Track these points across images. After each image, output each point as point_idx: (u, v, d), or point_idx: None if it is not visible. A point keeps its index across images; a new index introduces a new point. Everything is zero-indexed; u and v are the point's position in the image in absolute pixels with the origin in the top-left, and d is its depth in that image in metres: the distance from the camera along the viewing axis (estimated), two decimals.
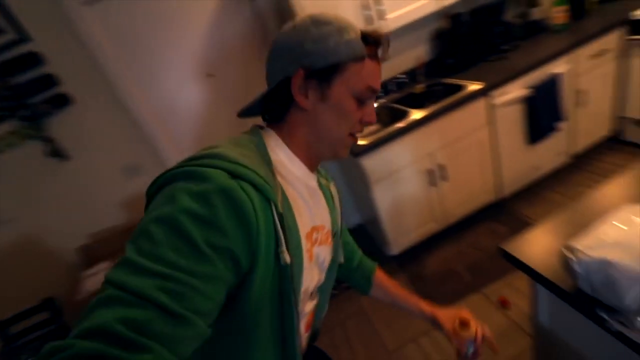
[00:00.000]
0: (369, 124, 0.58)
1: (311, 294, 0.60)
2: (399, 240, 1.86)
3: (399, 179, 1.70)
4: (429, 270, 1.83)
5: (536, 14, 2.08)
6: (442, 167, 1.75)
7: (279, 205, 0.46)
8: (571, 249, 0.60)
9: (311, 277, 0.57)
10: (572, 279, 0.61)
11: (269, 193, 0.45)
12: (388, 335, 1.57)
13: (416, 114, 1.64)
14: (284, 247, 0.46)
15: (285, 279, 0.47)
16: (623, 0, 1.99)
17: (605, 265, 0.55)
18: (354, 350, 1.56)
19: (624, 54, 1.90)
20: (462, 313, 0.74)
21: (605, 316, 0.57)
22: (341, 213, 0.69)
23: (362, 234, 2.26)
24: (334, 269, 0.67)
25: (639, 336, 0.52)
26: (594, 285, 0.57)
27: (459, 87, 1.75)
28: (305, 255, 0.53)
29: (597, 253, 0.56)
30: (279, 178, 0.51)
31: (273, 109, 0.58)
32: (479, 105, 1.71)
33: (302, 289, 0.53)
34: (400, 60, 2.07)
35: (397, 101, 1.96)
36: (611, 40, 1.85)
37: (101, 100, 1.71)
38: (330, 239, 0.63)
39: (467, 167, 1.82)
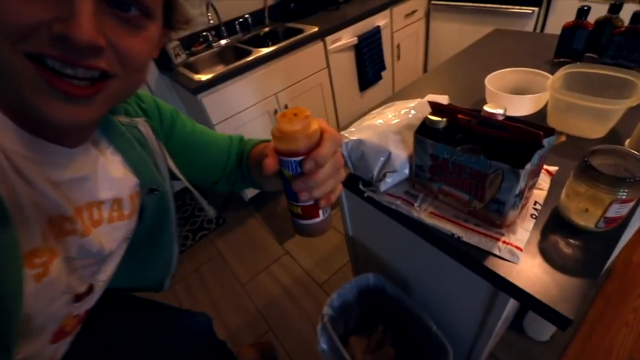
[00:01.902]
0: (70, 37, 0.28)
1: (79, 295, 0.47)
2: None
3: (244, 121, 1.70)
4: (282, 207, 1.96)
5: None
6: (287, 109, 1.83)
7: None
8: (341, 136, 0.71)
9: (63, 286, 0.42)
10: (345, 165, 0.74)
11: None
12: (242, 270, 1.64)
13: (259, 53, 1.64)
14: None
15: None
16: None
17: (358, 143, 0.68)
18: (210, 291, 1.57)
19: (428, 15, 2.32)
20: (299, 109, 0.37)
21: (362, 188, 0.71)
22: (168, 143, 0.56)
23: None
24: (145, 225, 0.54)
25: (381, 197, 0.68)
26: (354, 163, 0.71)
27: (300, 31, 1.82)
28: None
29: (355, 135, 0.69)
30: None
31: None
32: (317, 48, 1.82)
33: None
34: (247, 1, 1.99)
35: (242, 42, 1.91)
36: (420, 2, 2.22)
37: None
38: (137, 201, 0.50)
39: (309, 109, 1.96)
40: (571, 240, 0.55)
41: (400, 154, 0.66)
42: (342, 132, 0.72)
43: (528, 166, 0.48)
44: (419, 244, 0.67)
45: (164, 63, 1.77)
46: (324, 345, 0.86)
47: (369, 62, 2.06)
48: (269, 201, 2.00)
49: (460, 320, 0.80)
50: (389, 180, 0.66)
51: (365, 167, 0.68)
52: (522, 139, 0.50)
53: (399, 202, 0.65)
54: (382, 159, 0.66)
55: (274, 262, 1.63)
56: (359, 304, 0.96)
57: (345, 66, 2.01)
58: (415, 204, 0.64)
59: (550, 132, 0.50)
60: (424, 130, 0.59)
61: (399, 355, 0.92)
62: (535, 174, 0.54)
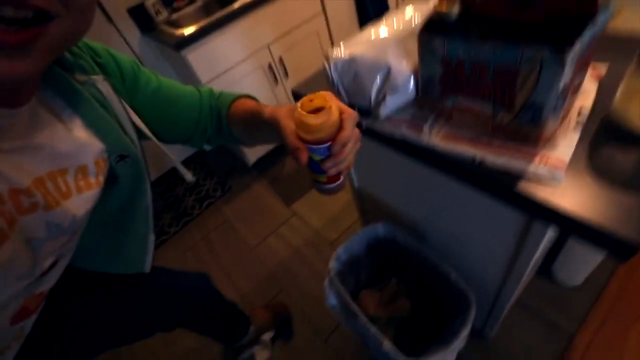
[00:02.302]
0: None
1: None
2: (253, 150, 1.82)
3: (236, 77, 1.57)
4: (286, 170, 1.87)
5: None
6: (282, 62, 1.68)
7: None
8: (328, 57, 0.58)
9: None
10: (336, 94, 0.61)
11: None
12: (250, 235, 1.58)
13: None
14: None
15: None
16: None
17: (350, 62, 0.56)
18: (219, 258, 1.54)
19: None
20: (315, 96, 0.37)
21: (360, 121, 0.59)
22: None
23: (220, 151, 2.15)
24: (124, 191, 0.49)
25: (382, 125, 0.56)
26: (347, 88, 0.59)
27: None
28: None
29: (346, 53, 0.56)
30: None
31: None
32: None
33: None
34: None
35: None
36: None
37: None
38: (103, 168, 0.44)
39: (306, 61, 1.80)
40: (631, 151, 0.42)
41: (403, 68, 0.53)
42: (329, 53, 0.59)
43: (577, 46, 0.35)
44: (432, 179, 0.56)
45: (145, 23, 1.62)
46: (332, 301, 0.79)
47: (371, 4, 1.84)
48: (273, 165, 1.91)
49: (484, 265, 0.71)
50: (390, 103, 0.54)
51: (360, 90, 0.56)
52: (567, 10, 0.36)
53: (404, 128, 0.53)
54: (379, 76, 0.53)
55: (282, 224, 1.57)
56: (369, 257, 0.88)
57: (344, 10, 1.81)
58: (425, 127, 0.52)
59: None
60: (431, 27, 0.46)
61: (416, 306, 0.84)
62: (583, 65, 0.41)
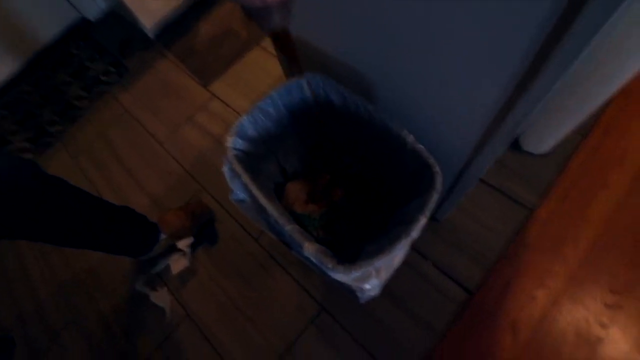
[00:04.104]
0: None
1: None
2: (148, 13, 1.29)
3: None
4: (200, 39, 1.40)
5: None
6: None
7: None
8: None
9: None
10: None
11: None
12: (158, 127, 1.23)
13: None
14: None
15: None
16: None
17: None
18: (123, 158, 1.20)
19: None
20: None
21: None
22: None
23: (110, 19, 1.57)
24: None
25: None
26: None
27: None
28: None
29: None
30: None
31: None
32: None
33: None
34: None
35: None
36: None
37: None
38: None
39: None
40: None
41: None
42: None
43: None
44: None
45: None
46: (239, 194, 0.54)
47: None
48: (182, 34, 1.42)
49: (453, 129, 0.47)
50: None
51: None
52: None
53: None
54: None
55: (199, 110, 1.22)
56: (293, 129, 0.60)
57: None
58: None
59: None
60: None
61: (356, 195, 0.63)
62: None
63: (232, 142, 0.51)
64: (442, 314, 0.77)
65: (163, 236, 0.90)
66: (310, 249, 0.41)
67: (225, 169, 0.52)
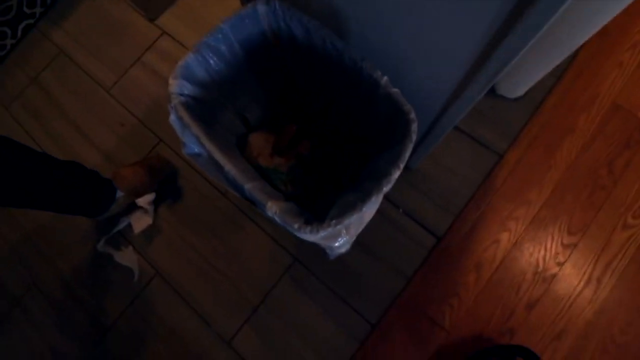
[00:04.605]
0: None
1: None
2: None
3: None
4: None
5: None
6: None
7: None
8: None
9: None
10: None
11: None
12: (102, 70, 1.07)
13: None
14: None
15: None
16: None
17: None
18: (63, 107, 1.05)
19: None
20: None
21: None
22: None
23: None
24: None
25: None
26: None
27: None
28: None
29: None
30: None
31: None
32: None
33: None
34: None
35: None
36: None
37: None
38: None
39: None
40: None
41: None
42: None
43: None
44: None
45: None
46: (192, 147, 0.48)
47: None
48: None
49: (432, 67, 0.42)
50: None
51: None
52: None
53: None
54: None
55: (148, 49, 1.06)
56: (251, 71, 0.52)
57: None
58: None
59: None
60: None
61: (325, 147, 0.58)
62: None
63: (177, 86, 0.43)
64: (411, 260, 0.79)
65: (120, 194, 0.83)
66: (273, 209, 0.37)
67: (172, 119, 0.45)
